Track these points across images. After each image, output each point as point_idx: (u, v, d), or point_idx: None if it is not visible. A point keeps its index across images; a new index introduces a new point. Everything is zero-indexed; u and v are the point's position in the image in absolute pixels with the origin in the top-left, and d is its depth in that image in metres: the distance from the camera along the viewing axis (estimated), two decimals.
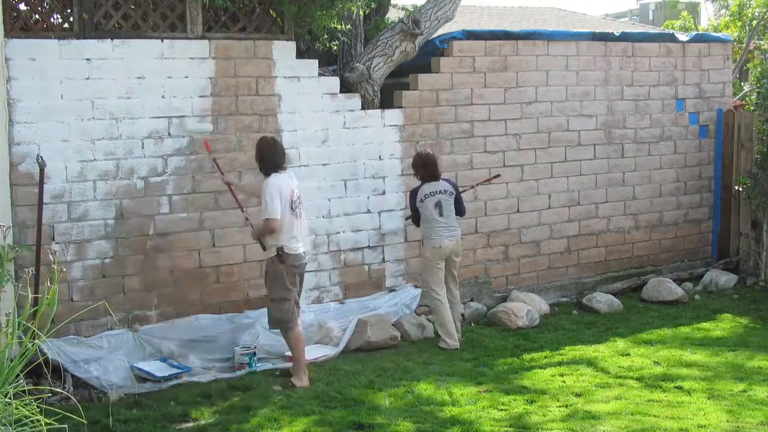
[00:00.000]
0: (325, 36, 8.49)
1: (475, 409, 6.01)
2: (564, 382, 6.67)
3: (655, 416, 5.79)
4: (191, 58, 7.34)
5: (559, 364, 7.17)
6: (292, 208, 6.64)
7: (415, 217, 7.83)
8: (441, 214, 7.63)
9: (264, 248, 6.76)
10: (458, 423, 5.73)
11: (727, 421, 5.66)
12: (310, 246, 7.05)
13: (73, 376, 6.59)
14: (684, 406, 6.00)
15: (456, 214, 7.80)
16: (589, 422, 5.67)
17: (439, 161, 8.59)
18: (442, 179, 7.77)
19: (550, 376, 6.81)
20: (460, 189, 8.08)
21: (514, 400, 6.22)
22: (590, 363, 7.18)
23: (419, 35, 8.57)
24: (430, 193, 7.66)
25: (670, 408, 5.97)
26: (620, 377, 6.79)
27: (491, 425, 5.69)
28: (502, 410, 5.99)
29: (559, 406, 6.06)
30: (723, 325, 8.43)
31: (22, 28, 6.82)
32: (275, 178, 6.61)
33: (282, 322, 6.71)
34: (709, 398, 6.17)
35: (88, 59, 6.92)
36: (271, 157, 6.68)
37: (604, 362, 7.21)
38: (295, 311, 6.71)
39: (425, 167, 7.72)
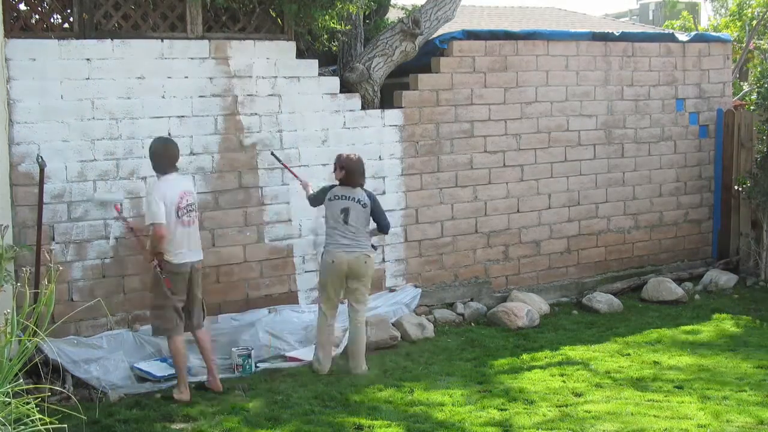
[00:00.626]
0: (325, 36, 8.49)
1: (475, 409, 6.01)
2: (564, 382, 6.68)
3: (654, 416, 5.79)
4: (191, 58, 7.34)
5: (559, 364, 7.17)
6: (177, 215, 6.26)
7: (315, 199, 7.09)
8: (346, 222, 6.85)
9: (151, 260, 6.34)
10: (457, 423, 5.73)
11: (727, 421, 5.66)
12: (200, 255, 6.56)
13: (73, 376, 6.59)
14: (684, 406, 6.00)
15: (379, 230, 7.05)
16: (589, 422, 5.67)
17: (440, 161, 8.63)
18: (363, 189, 6.99)
19: (550, 376, 6.81)
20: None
21: (514, 399, 6.22)
22: (590, 363, 7.18)
23: (419, 35, 8.57)
24: (342, 196, 6.92)
25: (669, 408, 5.97)
26: (620, 377, 6.79)
27: (491, 425, 5.69)
28: (501, 410, 5.99)
29: (559, 406, 6.07)
30: (723, 325, 8.43)
31: (22, 28, 6.82)
32: (161, 182, 6.30)
33: (162, 330, 6.36)
34: (709, 398, 6.16)
35: (88, 59, 6.93)
36: (162, 156, 6.36)
37: (603, 362, 7.21)
38: (176, 319, 6.31)
39: (348, 173, 6.95)
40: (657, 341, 7.87)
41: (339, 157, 7.07)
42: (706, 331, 8.23)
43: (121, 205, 6.94)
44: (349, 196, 6.90)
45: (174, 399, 6.26)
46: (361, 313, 7.01)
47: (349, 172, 6.95)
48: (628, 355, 7.44)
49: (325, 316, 6.97)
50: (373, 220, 6.99)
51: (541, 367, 7.08)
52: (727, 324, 8.47)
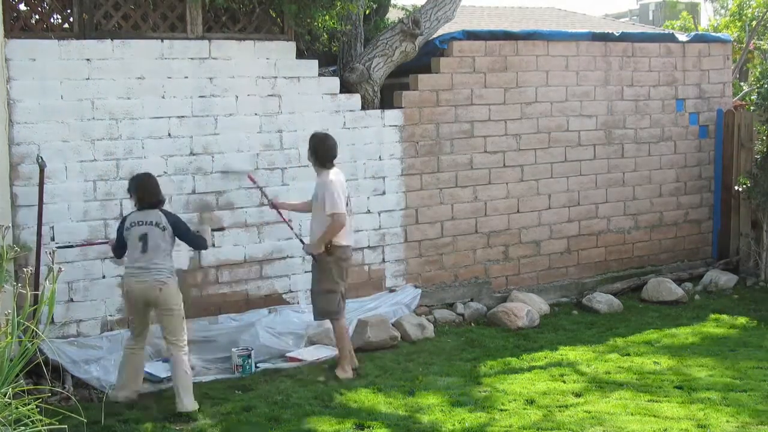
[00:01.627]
0: (325, 36, 8.49)
1: (474, 409, 6.01)
2: (563, 382, 6.68)
3: (654, 416, 5.80)
4: (191, 59, 7.34)
5: (559, 364, 7.18)
6: (347, 205, 6.87)
7: (118, 246, 6.37)
8: (144, 250, 6.15)
9: (314, 254, 6.86)
10: (457, 423, 5.73)
11: (727, 421, 5.67)
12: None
13: (73, 376, 6.59)
14: (684, 406, 6.00)
15: (195, 248, 6.73)
16: (588, 422, 5.68)
17: (440, 161, 8.62)
18: (162, 210, 6.31)
19: (550, 377, 6.82)
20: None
21: (514, 400, 6.22)
22: (590, 363, 7.19)
23: (419, 35, 8.57)
24: (138, 222, 6.21)
25: (670, 408, 5.97)
26: (619, 378, 6.79)
27: (490, 425, 5.69)
28: (501, 410, 6.00)
29: (559, 407, 6.07)
30: (723, 326, 8.43)
31: (22, 28, 6.82)
32: (333, 176, 6.81)
33: (329, 314, 6.94)
34: (708, 398, 6.16)
35: (88, 59, 6.93)
36: (324, 151, 6.87)
37: (603, 363, 7.21)
38: (341, 303, 6.93)
39: (140, 192, 6.29)
40: (657, 341, 7.87)
41: (130, 181, 6.42)
42: (705, 331, 8.24)
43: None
44: (146, 221, 6.20)
45: (338, 377, 6.79)
46: (175, 346, 6.12)
47: (141, 189, 6.29)
48: (628, 355, 7.44)
49: (130, 340, 6.37)
50: (181, 240, 6.38)
51: (540, 368, 7.09)
52: (727, 324, 8.47)
